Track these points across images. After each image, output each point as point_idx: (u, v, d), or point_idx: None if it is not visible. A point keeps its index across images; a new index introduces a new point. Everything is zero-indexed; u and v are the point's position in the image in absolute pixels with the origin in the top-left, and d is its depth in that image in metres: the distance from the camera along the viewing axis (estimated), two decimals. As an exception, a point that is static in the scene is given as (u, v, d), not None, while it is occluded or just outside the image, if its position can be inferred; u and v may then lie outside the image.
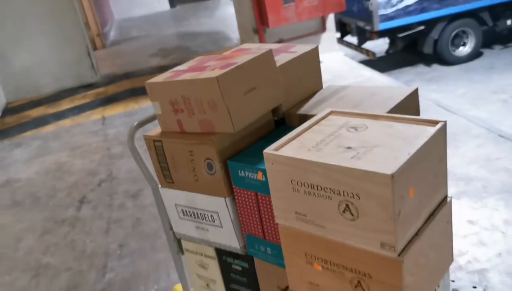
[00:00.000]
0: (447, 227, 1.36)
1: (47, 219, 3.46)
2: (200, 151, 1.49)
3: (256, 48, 1.64)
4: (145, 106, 5.59)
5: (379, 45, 8.08)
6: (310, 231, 1.29)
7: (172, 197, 1.68)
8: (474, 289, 1.77)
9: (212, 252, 1.72)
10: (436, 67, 7.63)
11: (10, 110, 6.49)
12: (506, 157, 3.06)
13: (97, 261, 2.84)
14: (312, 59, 1.69)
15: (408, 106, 1.53)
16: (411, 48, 7.75)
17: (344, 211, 1.19)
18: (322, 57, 6.70)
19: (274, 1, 5.37)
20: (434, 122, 1.26)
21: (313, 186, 1.21)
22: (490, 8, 7.30)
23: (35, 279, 2.78)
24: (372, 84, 5.18)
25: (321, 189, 1.20)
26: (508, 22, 7.57)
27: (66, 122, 5.67)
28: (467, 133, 3.49)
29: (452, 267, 2.18)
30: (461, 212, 2.60)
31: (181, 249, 1.84)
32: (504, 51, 7.85)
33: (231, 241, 1.58)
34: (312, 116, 1.45)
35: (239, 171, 1.44)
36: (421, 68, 7.73)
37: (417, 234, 1.21)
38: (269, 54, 1.48)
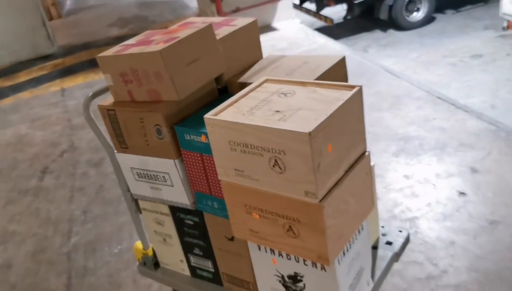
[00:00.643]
0: (367, 178, 1.57)
1: (10, 189, 3.55)
2: (149, 118, 1.64)
3: (200, 23, 1.78)
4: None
5: (338, 12, 8.22)
6: (247, 184, 1.48)
7: (127, 161, 1.83)
8: (400, 232, 2.02)
9: (166, 210, 1.90)
10: (391, 32, 7.82)
11: (-34, 83, 6.38)
12: (442, 117, 3.32)
13: (62, 226, 2.98)
14: (251, 32, 1.84)
15: (336, 73, 1.71)
16: (368, 14, 7.92)
17: (273, 166, 1.37)
18: (278, 25, 6.80)
19: (229, -31, 5.44)
20: (351, 87, 1.45)
21: (247, 145, 1.39)
22: (442, -27, 7.53)
23: (3, 245, 2.91)
24: (325, 51, 5.36)
25: (254, 148, 1.38)
26: (459, -14, 7.82)
27: (25, 94, 5.65)
28: (409, 96, 3.74)
29: (386, 216, 2.44)
30: (399, 168, 2.85)
31: (138, 209, 2.01)
32: (455, 15, 8.10)
33: (182, 198, 1.76)
34: (250, 84, 1.61)
35: (185, 134, 1.61)
36: (377, 33, 7.92)
37: (337, 184, 1.42)
38: (209, 28, 1.63)
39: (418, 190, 2.63)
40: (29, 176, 3.70)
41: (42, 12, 6.93)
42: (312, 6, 7.92)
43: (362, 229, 1.67)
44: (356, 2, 7.55)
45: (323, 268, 1.54)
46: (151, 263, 2.11)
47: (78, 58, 6.59)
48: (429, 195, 2.57)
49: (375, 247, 1.98)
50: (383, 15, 7.56)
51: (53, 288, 2.48)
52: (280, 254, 1.63)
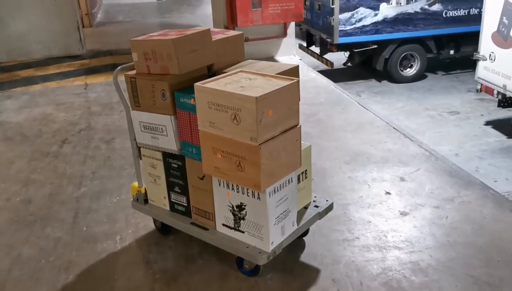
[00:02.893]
0: (297, 143, 2.31)
1: (34, 151, 4.30)
2: (158, 84, 2.41)
3: (204, 28, 2.58)
4: (122, 79, 6.45)
5: (341, 59, 9.07)
6: (216, 133, 2.23)
7: (138, 116, 2.59)
8: (327, 201, 2.74)
9: (159, 155, 2.64)
10: (385, 83, 8.62)
11: (2, 68, 7.24)
12: (391, 142, 4.08)
13: (74, 180, 3.71)
14: (238, 40, 2.64)
15: (290, 75, 2.48)
16: (366, 64, 8.74)
17: (233, 119, 2.13)
18: (280, 59, 7.66)
19: (244, 4, 6.38)
20: (291, 80, 2.23)
21: (218, 104, 2.16)
22: (436, 38, 8.36)
23: (25, 187, 3.63)
24: (314, 84, 6.18)
25: (222, 106, 2.15)
26: (451, 52, 8.65)
27: (52, 84, 6.48)
28: (371, 124, 4.51)
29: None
30: (347, 171, 3.59)
31: (140, 155, 2.75)
32: (445, 77, 8.91)
33: (172, 145, 2.51)
34: (230, 72, 2.39)
35: (180, 98, 2.38)
36: (372, 82, 8.73)
37: (273, 138, 2.17)
38: (207, 31, 2.43)
39: (356, 187, 3.36)
40: (51, 143, 4.46)
41: (78, 18, 7.88)
42: (316, 50, 8.80)
43: (292, 181, 2.40)
44: (356, 51, 8.39)
45: (258, 197, 2.27)
46: (142, 199, 2.83)
47: (103, 62, 7.47)
48: (363, 191, 3.30)
49: (306, 208, 2.70)
50: (379, 66, 8.39)
51: (63, 217, 3.19)
52: (232, 188, 2.36)
